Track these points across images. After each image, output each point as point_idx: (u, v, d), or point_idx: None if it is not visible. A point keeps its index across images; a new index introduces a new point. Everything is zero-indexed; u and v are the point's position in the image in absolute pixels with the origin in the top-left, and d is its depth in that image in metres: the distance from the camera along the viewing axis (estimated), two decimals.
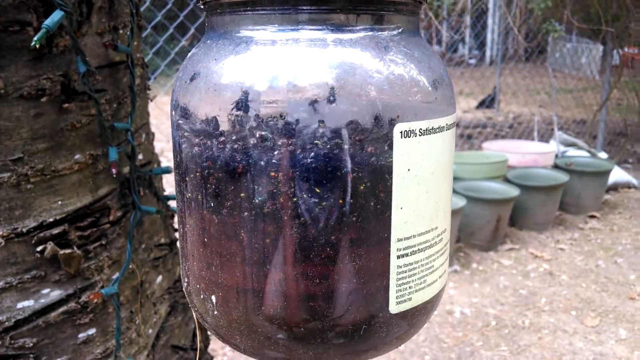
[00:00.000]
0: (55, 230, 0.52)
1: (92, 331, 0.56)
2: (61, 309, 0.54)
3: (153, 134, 0.71)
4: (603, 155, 3.26)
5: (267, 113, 0.26)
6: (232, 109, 0.27)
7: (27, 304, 0.52)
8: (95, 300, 0.55)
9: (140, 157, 0.64)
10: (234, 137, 0.27)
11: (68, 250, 0.53)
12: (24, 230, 0.51)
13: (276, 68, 0.27)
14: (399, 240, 0.28)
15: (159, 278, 0.68)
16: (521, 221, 2.53)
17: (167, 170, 0.66)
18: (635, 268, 2.15)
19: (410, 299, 0.30)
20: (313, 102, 0.26)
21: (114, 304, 0.57)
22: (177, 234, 0.77)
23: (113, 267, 0.58)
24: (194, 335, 0.77)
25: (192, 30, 2.52)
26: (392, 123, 0.27)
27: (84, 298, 0.55)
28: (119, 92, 0.59)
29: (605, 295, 1.95)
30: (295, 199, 0.26)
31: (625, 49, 3.92)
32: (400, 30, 0.30)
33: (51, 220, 0.52)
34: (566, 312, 1.85)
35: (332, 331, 0.28)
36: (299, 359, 0.29)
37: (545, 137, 3.80)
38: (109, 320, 0.58)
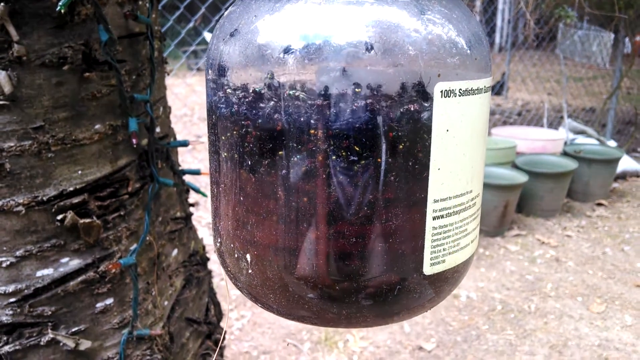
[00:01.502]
0: (75, 200, 0.53)
1: (109, 301, 0.57)
2: (80, 278, 0.54)
3: (170, 107, 0.71)
4: (612, 143, 3.24)
5: (306, 70, 0.26)
6: (271, 66, 0.26)
7: (47, 273, 0.53)
8: (114, 270, 0.56)
9: (157, 130, 0.64)
10: (272, 95, 0.27)
11: (88, 220, 0.53)
12: (45, 198, 0.51)
13: (315, 25, 0.26)
14: (436, 201, 0.28)
15: (175, 251, 0.69)
16: (529, 207, 2.53)
17: (184, 143, 0.66)
18: None
19: (444, 261, 0.30)
20: (351, 60, 0.25)
21: (131, 274, 0.57)
22: (192, 209, 0.77)
23: (131, 238, 0.59)
24: (207, 309, 0.77)
25: (203, 9, 2.50)
26: (432, 82, 0.27)
27: (102, 268, 0.55)
28: (138, 64, 0.59)
29: (612, 282, 1.95)
30: (333, 157, 0.26)
31: (637, 37, 3.88)
32: None
33: (71, 189, 0.52)
34: (572, 297, 1.85)
35: (366, 291, 0.28)
36: (331, 320, 0.29)
37: (554, 125, 3.78)
38: (127, 290, 0.58)
